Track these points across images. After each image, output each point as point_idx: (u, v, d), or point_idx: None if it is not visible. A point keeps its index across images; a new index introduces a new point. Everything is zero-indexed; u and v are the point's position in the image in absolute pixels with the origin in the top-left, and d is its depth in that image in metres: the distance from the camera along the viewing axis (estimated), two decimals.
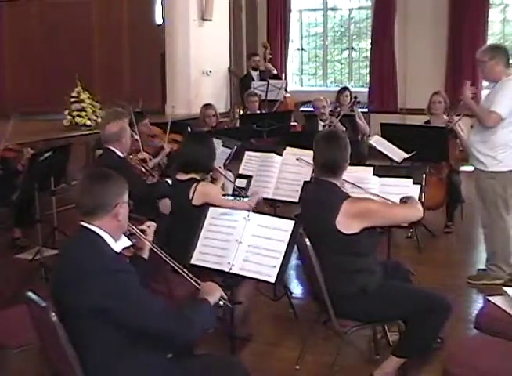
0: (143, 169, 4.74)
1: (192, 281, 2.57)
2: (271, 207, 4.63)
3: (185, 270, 2.59)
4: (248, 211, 3.11)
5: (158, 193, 4.15)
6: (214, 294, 2.49)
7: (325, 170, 3.18)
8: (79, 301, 2.23)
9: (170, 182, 4.49)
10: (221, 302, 2.51)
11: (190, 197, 3.60)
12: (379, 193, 3.51)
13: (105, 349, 2.28)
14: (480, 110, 4.42)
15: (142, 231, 2.71)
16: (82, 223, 2.38)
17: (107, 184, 2.38)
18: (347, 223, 3.03)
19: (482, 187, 4.50)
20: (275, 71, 9.22)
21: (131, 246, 2.61)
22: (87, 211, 2.36)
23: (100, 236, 2.36)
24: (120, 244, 2.47)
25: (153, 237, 2.76)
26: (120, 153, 4.34)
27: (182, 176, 3.74)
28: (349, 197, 3.15)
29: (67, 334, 2.24)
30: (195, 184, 3.64)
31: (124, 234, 2.53)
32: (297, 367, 3.48)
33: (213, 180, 4.01)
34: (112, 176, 2.43)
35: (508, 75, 4.36)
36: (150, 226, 2.77)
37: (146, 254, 2.71)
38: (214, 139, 4.53)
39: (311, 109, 7.39)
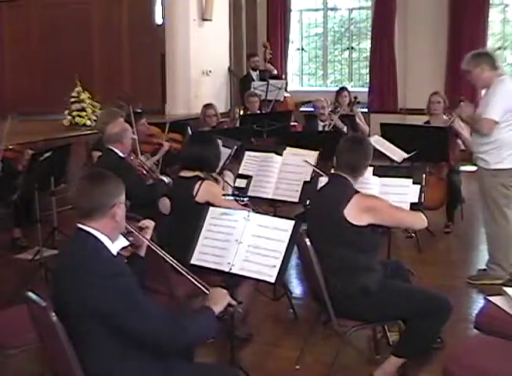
0: (144, 171, 4.74)
1: (201, 286, 2.54)
2: (271, 207, 4.63)
3: (191, 274, 2.57)
4: (248, 211, 3.11)
5: (157, 193, 4.15)
6: (222, 302, 2.48)
7: (345, 168, 3.25)
8: (79, 306, 2.23)
9: (166, 180, 4.47)
10: (231, 308, 2.50)
11: (194, 194, 3.61)
12: (379, 193, 3.52)
13: (105, 352, 2.28)
14: (476, 122, 4.48)
15: (141, 229, 2.71)
16: (79, 225, 2.37)
17: (104, 185, 2.37)
18: (355, 215, 3.08)
19: (484, 185, 4.50)
20: (275, 72, 9.22)
21: (128, 245, 2.60)
22: (84, 213, 2.36)
23: (97, 239, 2.35)
24: (117, 245, 2.46)
25: (151, 235, 2.76)
26: (121, 154, 4.34)
27: (186, 173, 3.74)
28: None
29: (68, 337, 2.23)
30: (200, 181, 3.65)
31: (122, 233, 2.53)
32: (297, 367, 3.48)
33: (214, 181, 4.00)
34: (108, 177, 2.42)
35: (499, 76, 4.38)
36: (149, 224, 2.77)
37: (142, 253, 2.71)
38: None
39: (312, 109, 7.39)
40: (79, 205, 2.37)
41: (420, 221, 3.29)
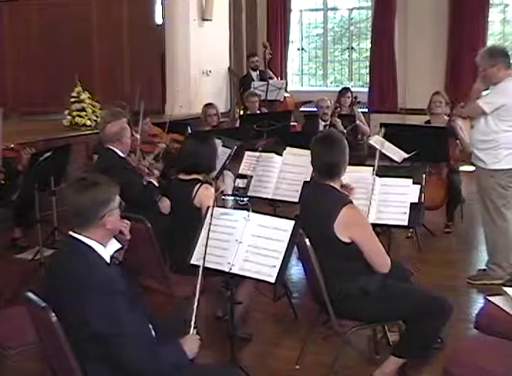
0: (146, 170, 4.74)
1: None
2: (271, 207, 4.63)
3: None
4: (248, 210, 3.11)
5: (152, 194, 4.14)
6: (192, 350, 2.46)
7: (324, 173, 3.18)
8: (70, 318, 2.22)
9: (156, 183, 4.41)
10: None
11: (192, 198, 3.61)
12: (379, 193, 3.51)
13: (100, 358, 2.28)
14: (471, 101, 4.51)
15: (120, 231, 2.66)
16: (71, 233, 2.36)
17: (92, 195, 2.30)
18: (342, 231, 3.03)
19: (482, 185, 4.51)
20: (275, 79, 9.15)
21: (120, 249, 2.56)
22: (75, 224, 2.35)
23: (90, 247, 2.33)
24: (110, 249, 2.42)
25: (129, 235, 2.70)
26: (121, 153, 4.33)
27: (184, 176, 3.75)
28: (351, 202, 3.14)
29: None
30: (198, 185, 3.64)
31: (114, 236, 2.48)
32: (297, 367, 3.48)
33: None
34: (97, 185, 2.33)
35: (510, 75, 4.37)
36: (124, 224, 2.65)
37: (121, 256, 2.65)
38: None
39: (314, 109, 7.39)
40: (70, 216, 2.34)
41: (385, 265, 3.09)
